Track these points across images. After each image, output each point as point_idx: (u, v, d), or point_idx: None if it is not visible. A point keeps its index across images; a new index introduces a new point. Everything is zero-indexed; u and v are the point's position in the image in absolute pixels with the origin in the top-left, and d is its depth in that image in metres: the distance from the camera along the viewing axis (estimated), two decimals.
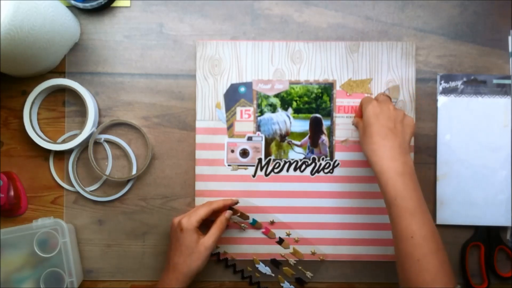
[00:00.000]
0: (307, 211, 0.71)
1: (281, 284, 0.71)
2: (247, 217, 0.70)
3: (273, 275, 0.72)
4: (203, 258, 0.64)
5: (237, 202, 0.70)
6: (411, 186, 0.57)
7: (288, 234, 0.71)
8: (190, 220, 0.64)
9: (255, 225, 0.71)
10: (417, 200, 0.57)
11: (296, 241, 0.71)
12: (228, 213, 0.67)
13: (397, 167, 0.58)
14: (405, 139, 0.60)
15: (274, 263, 0.71)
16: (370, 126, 0.61)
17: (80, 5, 0.69)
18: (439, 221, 0.71)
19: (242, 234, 0.71)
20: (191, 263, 0.63)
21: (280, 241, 0.71)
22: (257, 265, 0.71)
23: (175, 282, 0.63)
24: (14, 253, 0.67)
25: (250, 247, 0.71)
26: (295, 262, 0.71)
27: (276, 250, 0.71)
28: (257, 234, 0.71)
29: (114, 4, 0.71)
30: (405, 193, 0.57)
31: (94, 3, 0.69)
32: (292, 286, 0.71)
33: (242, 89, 0.71)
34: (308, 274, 0.72)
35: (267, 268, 0.71)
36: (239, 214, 0.70)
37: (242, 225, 0.70)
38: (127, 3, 0.71)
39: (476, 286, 0.71)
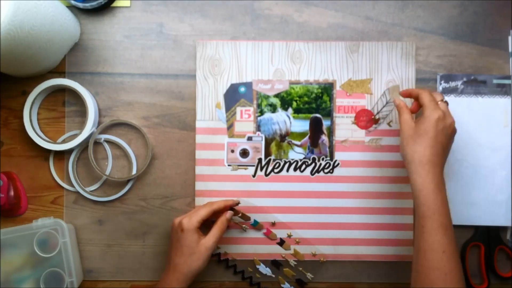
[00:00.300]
0: (307, 211, 0.71)
1: (282, 285, 0.71)
2: (248, 218, 0.70)
3: (274, 276, 0.72)
4: (204, 258, 0.64)
5: (238, 203, 0.70)
6: (446, 202, 0.59)
7: (289, 235, 0.71)
8: (191, 220, 0.64)
9: (256, 226, 0.71)
10: (449, 217, 0.58)
11: (297, 242, 0.71)
12: (229, 213, 0.67)
13: (439, 183, 0.58)
14: (447, 157, 0.62)
15: (275, 264, 0.71)
16: (428, 135, 0.59)
17: (80, 5, 0.69)
18: None
19: (243, 235, 0.71)
20: (191, 263, 0.63)
21: (281, 243, 0.71)
22: (257, 266, 0.71)
23: (176, 282, 0.63)
24: (14, 253, 0.67)
25: (251, 247, 0.71)
26: (295, 263, 0.71)
27: (276, 250, 0.71)
28: (258, 234, 0.71)
29: (114, 4, 0.71)
30: (442, 208, 0.58)
31: (94, 3, 0.69)
32: (292, 287, 0.71)
33: (242, 89, 0.71)
34: (309, 275, 0.72)
35: (267, 269, 0.71)
36: (240, 214, 0.70)
37: (243, 226, 0.70)
38: (127, 3, 0.71)
39: (476, 286, 0.71)
